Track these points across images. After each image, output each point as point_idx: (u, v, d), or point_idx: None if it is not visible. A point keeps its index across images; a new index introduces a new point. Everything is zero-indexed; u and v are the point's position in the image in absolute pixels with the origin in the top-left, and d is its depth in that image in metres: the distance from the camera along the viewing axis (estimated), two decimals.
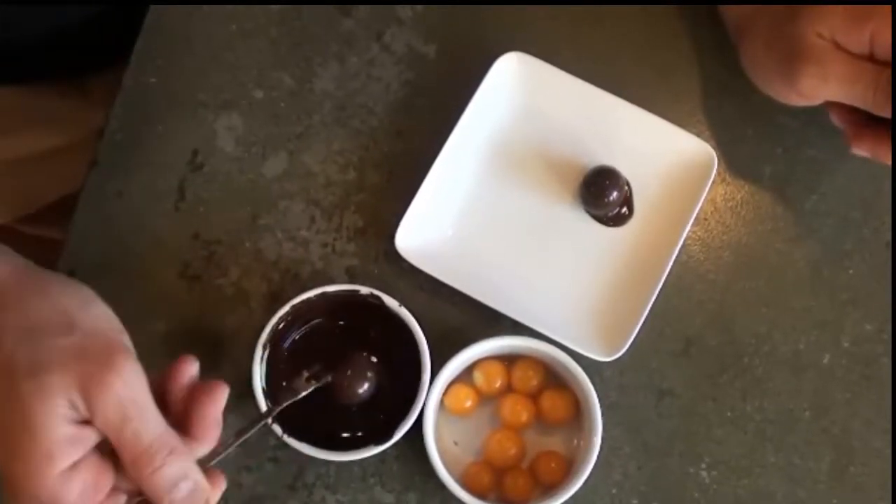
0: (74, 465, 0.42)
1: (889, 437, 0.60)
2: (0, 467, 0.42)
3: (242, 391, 0.57)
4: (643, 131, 0.60)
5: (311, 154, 0.62)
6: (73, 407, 0.42)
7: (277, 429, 0.56)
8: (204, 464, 0.46)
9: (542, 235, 0.61)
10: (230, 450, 0.48)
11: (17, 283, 0.46)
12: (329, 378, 0.56)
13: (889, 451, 0.60)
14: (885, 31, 0.51)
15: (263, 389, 0.56)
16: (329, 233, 0.61)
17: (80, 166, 0.61)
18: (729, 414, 0.60)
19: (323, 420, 0.57)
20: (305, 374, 0.56)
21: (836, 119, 0.56)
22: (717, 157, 0.59)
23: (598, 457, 0.56)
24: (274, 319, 0.57)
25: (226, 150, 0.62)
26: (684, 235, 0.59)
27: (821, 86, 0.53)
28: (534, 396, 0.59)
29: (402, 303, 0.57)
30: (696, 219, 0.60)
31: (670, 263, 0.58)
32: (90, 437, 0.43)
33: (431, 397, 0.56)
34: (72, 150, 0.70)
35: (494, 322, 0.59)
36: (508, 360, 0.59)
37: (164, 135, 0.62)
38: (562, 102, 0.61)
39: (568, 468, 0.57)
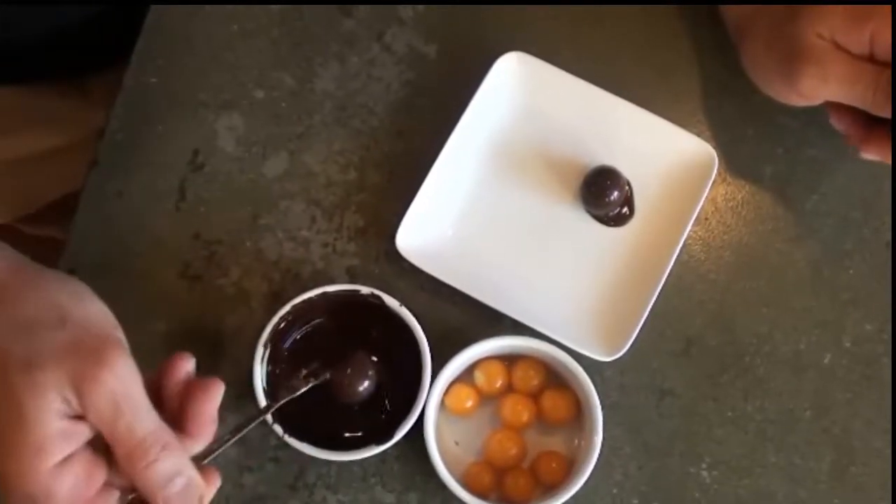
0: (66, 460, 0.42)
1: (889, 437, 0.60)
2: None
3: (243, 391, 0.57)
4: (644, 131, 0.60)
5: (312, 154, 0.62)
6: (66, 402, 0.42)
7: (278, 429, 0.56)
8: (199, 461, 0.46)
9: (543, 235, 0.61)
10: (226, 447, 0.48)
11: (12, 278, 0.46)
12: (327, 375, 0.56)
13: (889, 451, 0.60)
14: (884, 31, 0.51)
15: (264, 389, 0.56)
16: (330, 233, 0.61)
17: (80, 166, 0.61)
18: (730, 414, 0.60)
19: (324, 420, 0.57)
20: (304, 372, 0.56)
21: (837, 123, 0.56)
22: (718, 157, 0.59)
23: (599, 457, 0.56)
24: (275, 319, 0.57)
25: (226, 150, 0.62)
26: (685, 235, 0.59)
27: (821, 86, 0.53)
28: (534, 396, 0.59)
29: (403, 303, 0.57)
30: (697, 219, 0.61)
31: (671, 263, 0.58)
32: (82, 433, 0.43)
33: (432, 397, 0.56)
34: (72, 150, 0.70)
35: (495, 322, 0.59)
36: (509, 360, 0.59)
37: (164, 135, 0.62)
38: (562, 102, 0.61)
39: (569, 468, 0.57)
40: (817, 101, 0.55)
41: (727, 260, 0.61)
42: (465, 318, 0.60)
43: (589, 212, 0.61)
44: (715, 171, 0.59)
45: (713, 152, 0.59)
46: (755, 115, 0.62)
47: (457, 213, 0.61)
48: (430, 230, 0.60)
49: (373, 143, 0.62)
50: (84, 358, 0.42)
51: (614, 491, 0.59)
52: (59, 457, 0.42)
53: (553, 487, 0.57)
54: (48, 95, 0.72)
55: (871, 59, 0.52)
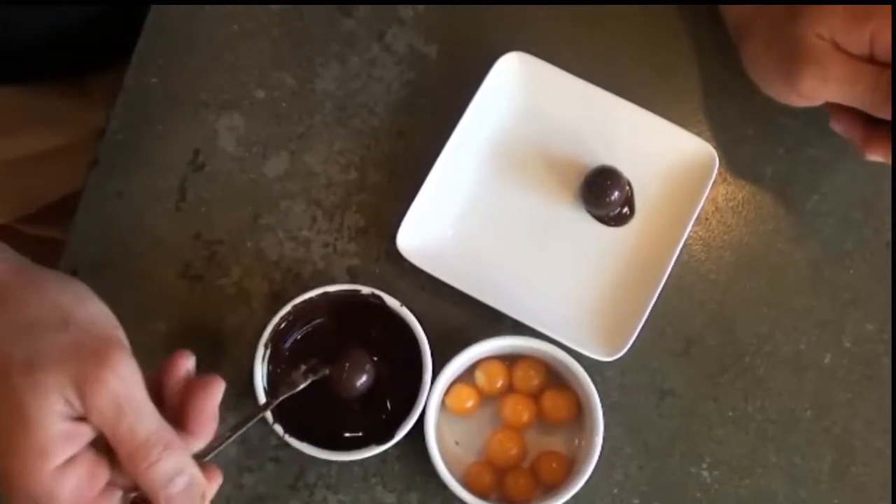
0: (69, 461, 0.42)
1: (890, 436, 0.60)
2: None
3: (244, 391, 0.57)
4: (644, 131, 0.60)
5: (313, 154, 0.62)
6: (68, 403, 0.42)
7: (279, 428, 0.56)
8: (200, 458, 0.46)
9: (544, 235, 0.61)
10: (226, 444, 0.48)
11: (13, 280, 0.46)
12: (326, 371, 0.56)
13: (890, 451, 0.60)
14: (884, 31, 0.51)
15: (265, 389, 0.56)
16: (330, 233, 0.61)
17: (80, 166, 0.61)
18: (730, 414, 0.60)
19: (324, 420, 0.57)
20: (303, 368, 0.56)
21: (836, 127, 0.56)
22: (718, 156, 0.59)
23: (600, 457, 0.56)
24: (275, 319, 0.57)
25: (227, 150, 0.62)
26: (685, 235, 0.59)
27: (821, 87, 0.53)
28: (535, 396, 0.59)
29: (404, 303, 0.57)
30: (698, 218, 0.61)
31: (671, 263, 0.58)
32: (85, 434, 0.43)
33: (433, 397, 0.56)
34: (72, 150, 0.70)
35: (496, 322, 0.59)
36: (510, 359, 0.59)
37: (165, 135, 0.62)
38: (563, 102, 0.61)
39: (569, 468, 0.57)
40: (817, 102, 0.55)
41: (728, 260, 0.61)
42: (465, 318, 0.60)
43: (589, 212, 0.61)
44: (715, 171, 0.59)
45: (714, 152, 0.59)
46: (755, 115, 0.62)
47: (457, 213, 0.61)
48: (430, 230, 0.60)
49: (373, 143, 0.62)
50: (86, 359, 0.43)
51: (615, 491, 0.59)
52: (61, 458, 0.42)
53: (553, 487, 0.57)
54: (48, 95, 0.72)
55: (871, 59, 0.52)
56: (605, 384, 0.59)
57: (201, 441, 0.46)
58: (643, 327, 0.57)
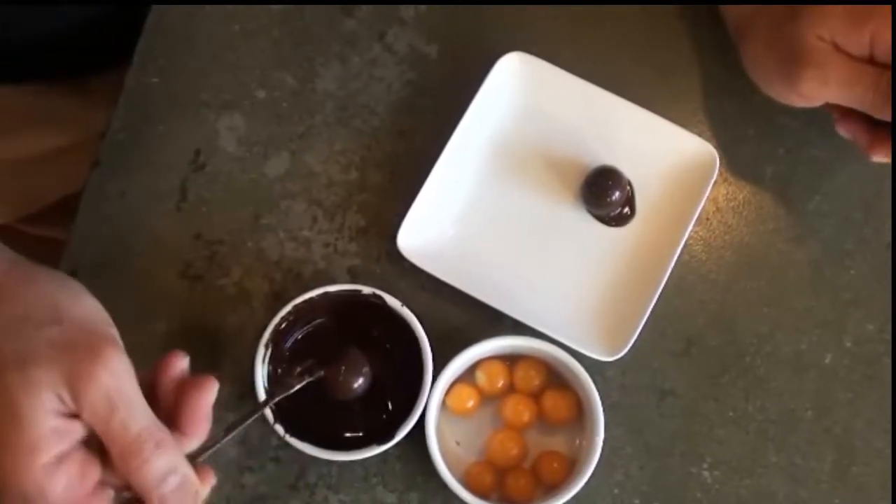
0: (60, 458, 0.42)
1: (890, 436, 0.60)
2: None
3: (244, 391, 0.57)
4: (645, 131, 0.60)
5: (314, 154, 0.62)
6: (60, 400, 0.42)
7: (279, 428, 0.56)
8: (194, 459, 0.46)
9: (544, 235, 0.61)
10: (220, 444, 0.48)
11: (5, 276, 0.46)
12: (321, 372, 0.56)
13: (890, 451, 0.60)
14: (884, 31, 0.51)
15: (265, 389, 0.56)
16: (331, 233, 0.61)
17: (81, 166, 0.61)
18: (731, 414, 0.60)
19: (325, 420, 0.57)
20: (298, 369, 0.56)
21: (844, 132, 0.56)
22: (719, 157, 0.59)
23: (600, 457, 0.56)
24: (276, 319, 0.57)
25: (228, 150, 0.62)
26: (686, 235, 0.59)
27: (821, 89, 0.53)
28: (536, 396, 0.59)
29: (404, 303, 0.57)
30: (698, 219, 0.61)
31: (672, 263, 0.58)
32: (77, 431, 0.43)
33: (433, 397, 0.56)
34: (74, 150, 0.70)
35: (496, 322, 0.59)
36: (510, 359, 0.59)
37: (165, 135, 0.62)
38: (563, 102, 0.61)
39: (570, 468, 0.57)
40: (817, 103, 0.55)
41: (728, 260, 0.61)
42: (466, 318, 0.60)
43: (590, 212, 0.61)
44: (716, 171, 0.59)
45: (714, 152, 0.59)
46: (756, 115, 0.62)
47: (458, 213, 0.61)
48: (431, 230, 0.60)
49: (374, 143, 0.62)
50: (79, 355, 0.42)
51: (615, 491, 0.59)
52: (52, 455, 0.42)
53: (554, 487, 0.57)
54: (49, 96, 0.72)
55: (871, 60, 0.52)
56: (605, 384, 0.59)
57: (195, 441, 0.46)
58: (644, 327, 0.57)
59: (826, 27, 0.52)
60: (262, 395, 0.56)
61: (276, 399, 0.54)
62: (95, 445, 0.43)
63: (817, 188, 0.62)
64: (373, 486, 0.59)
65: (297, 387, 0.55)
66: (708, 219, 0.62)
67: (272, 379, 0.57)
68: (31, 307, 0.45)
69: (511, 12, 0.63)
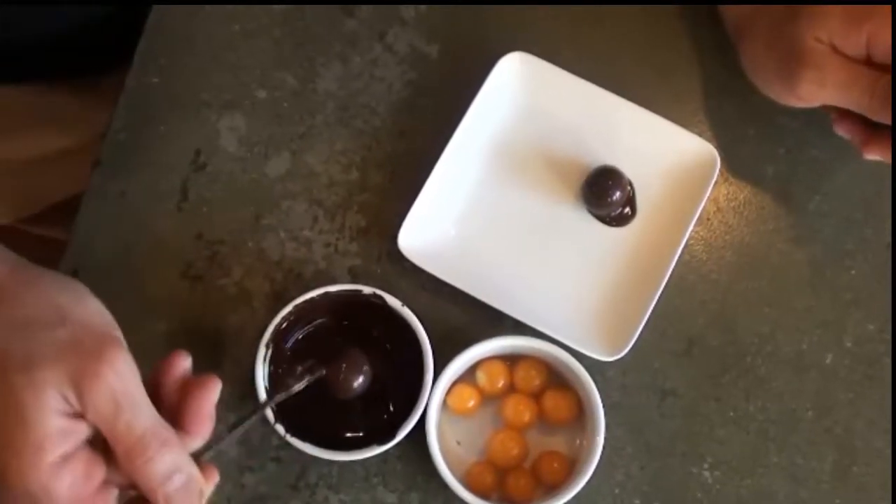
0: (65, 458, 0.42)
1: (891, 436, 0.60)
2: None
3: (245, 391, 0.57)
4: (646, 131, 0.60)
5: (314, 154, 0.62)
6: (65, 400, 0.42)
7: (280, 428, 0.56)
8: (197, 457, 0.46)
9: (545, 235, 0.61)
10: (223, 443, 0.48)
11: (10, 278, 0.46)
12: (322, 372, 0.56)
13: (891, 451, 0.60)
14: (881, 32, 0.51)
15: (266, 389, 0.56)
16: (332, 233, 0.61)
17: (83, 167, 0.61)
18: (731, 414, 0.60)
19: (325, 420, 0.57)
20: (299, 369, 0.56)
21: (842, 131, 0.56)
22: (719, 157, 0.59)
23: (601, 457, 0.56)
24: (277, 319, 0.57)
25: (229, 150, 0.62)
26: (687, 235, 0.59)
27: (819, 91, 0.53)
28: (536, 396, 0.59)
29: (405, 302, 0.57)
30: (699, 219, 0.61)
31: (673, 263, 0.58)
32: (82, 431, 0.43)
33: (434, 397, 0.56)
34: (75, 150, 0.70)
35: (497, 322, 0.59)
36: (511, 359, 0.59)
37: (166, 135, 0.62)
38: (564, 102, 0.61)
39: (570, 468, 0.57)
40: (816, 105, 0.55)
41: (729, 260, 0.62)
42: (466, 318, 0.60)
43: (591, 212, 0.61)
44: (717, 171, 0.59)
45: (715, 152, 0.59)
46: (756, 115, 0.62)
47: (459, 213, 0.61)
48: (431, 230, 0.60)
49: (375, 143, 0.62)
50: (84, 356, 0.43)
51: (616, 491, 0.59)
52: (58, 454, 0.42)
53: (555, 487, 0.57)
54: (51, 96, 0.72)
55: (868, 61, 0.52)
56: (606, 384, 0.59)
57: (198, 440, 0.46)
58: (644, 327, 0.57)
59: (824, 28, 0.52)
60: (262, 395, 0.56)
61: (278, 399, 0.54)
62: (100, 445, 0.44)
63: (817, 188, 0.62)
64: (373, 486, 0.59)
65: (298, 387, 0.55)
66: (708, 219, 0.62)
67: (273, 379, 0.57)
68: (36, 309, 0.45)
69: (512, 12, 0.63)
